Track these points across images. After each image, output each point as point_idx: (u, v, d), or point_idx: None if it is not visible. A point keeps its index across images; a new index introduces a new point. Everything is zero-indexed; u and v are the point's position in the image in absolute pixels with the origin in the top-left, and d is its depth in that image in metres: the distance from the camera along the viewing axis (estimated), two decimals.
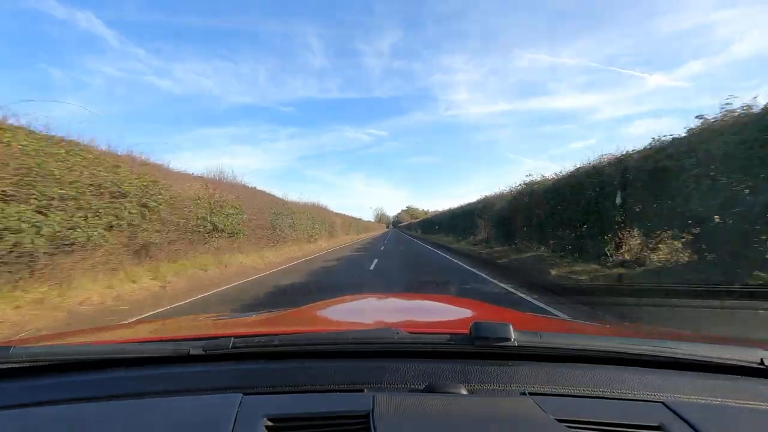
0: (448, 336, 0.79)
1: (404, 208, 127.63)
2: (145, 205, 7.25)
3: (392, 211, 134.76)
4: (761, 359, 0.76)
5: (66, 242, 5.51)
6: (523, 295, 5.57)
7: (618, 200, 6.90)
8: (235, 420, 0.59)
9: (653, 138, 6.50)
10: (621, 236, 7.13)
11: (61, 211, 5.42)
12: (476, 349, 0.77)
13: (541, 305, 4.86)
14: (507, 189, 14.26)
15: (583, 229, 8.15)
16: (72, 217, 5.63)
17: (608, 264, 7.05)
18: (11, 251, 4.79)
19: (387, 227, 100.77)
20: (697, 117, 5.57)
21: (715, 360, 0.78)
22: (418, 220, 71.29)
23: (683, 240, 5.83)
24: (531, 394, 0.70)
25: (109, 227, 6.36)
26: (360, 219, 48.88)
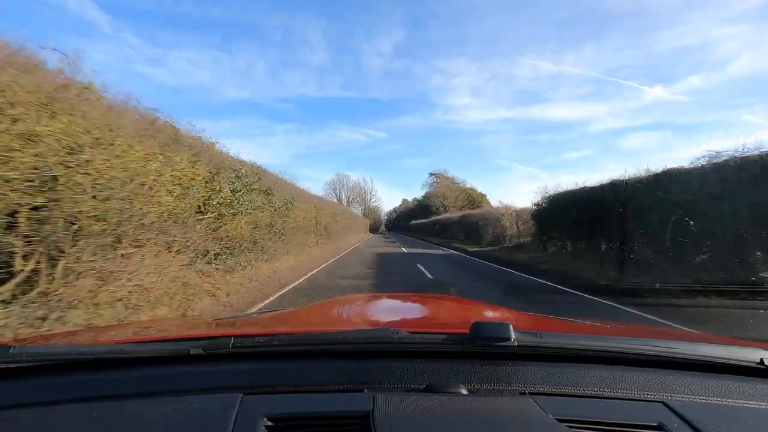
0: (448, 336, 0.79)
1: (431, 178, 55.49)
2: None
3: (388, 206, 79.78)
4: (761, 359, 0.76)
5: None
6: None
7: None
8: (234, 420, 0.59)
9: None
10: None
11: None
12: (476, 349, 0.77)
13: None
14: None
15: None
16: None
17: None
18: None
19: (368, 232, 47.80)
20: None
21: (715, 360, 0.78)
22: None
23: None
24: (531, 393, 0.70)
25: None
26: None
